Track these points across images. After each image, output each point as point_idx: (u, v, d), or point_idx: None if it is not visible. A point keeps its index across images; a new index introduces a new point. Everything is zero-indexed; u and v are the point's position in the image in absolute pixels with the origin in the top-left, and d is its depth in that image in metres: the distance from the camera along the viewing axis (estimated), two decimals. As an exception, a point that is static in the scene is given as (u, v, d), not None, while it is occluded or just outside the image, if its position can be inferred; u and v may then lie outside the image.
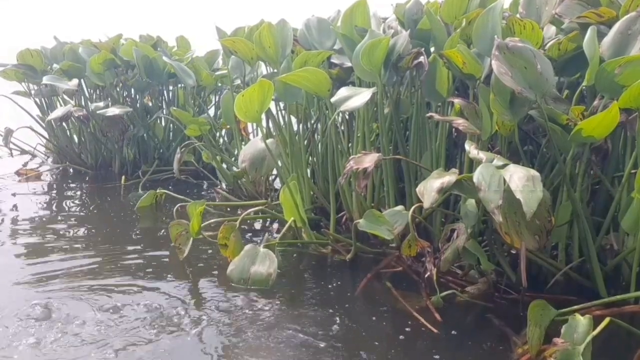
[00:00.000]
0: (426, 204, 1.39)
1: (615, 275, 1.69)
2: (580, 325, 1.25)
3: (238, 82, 2.74)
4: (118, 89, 3.45)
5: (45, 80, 3.14)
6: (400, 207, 1.71)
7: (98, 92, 3.57)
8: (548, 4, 1.78)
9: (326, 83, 1.90)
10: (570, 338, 1.23)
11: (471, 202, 1.53)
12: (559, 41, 1.71)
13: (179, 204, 2.47)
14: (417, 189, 1.43)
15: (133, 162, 3.50)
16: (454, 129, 2.07)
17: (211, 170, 3.34)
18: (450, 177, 1.40)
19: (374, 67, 1.79)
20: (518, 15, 1.76)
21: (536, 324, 1.33)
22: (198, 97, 3.49)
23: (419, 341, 1.49)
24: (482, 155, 1.40)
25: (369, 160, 1.63)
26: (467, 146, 1.45)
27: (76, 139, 3.73)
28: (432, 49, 1.95)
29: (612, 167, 1.75)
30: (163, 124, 3.57)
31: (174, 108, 3.20)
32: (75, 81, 3.26)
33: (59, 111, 3.22)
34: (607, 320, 1.29)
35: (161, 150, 3.56)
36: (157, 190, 2.76)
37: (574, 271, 1.67)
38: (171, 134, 3.60)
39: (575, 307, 1.45)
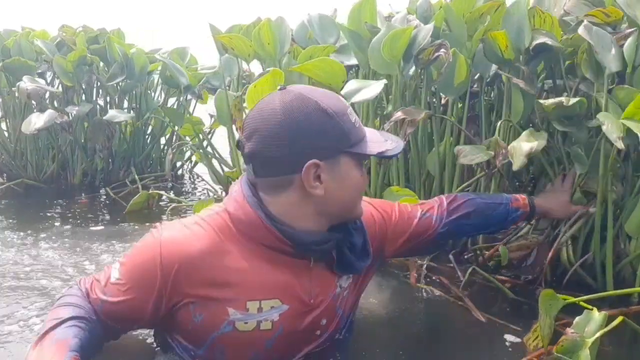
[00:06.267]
0: (515, 166, 1.45)
1: (617, 276, 1.68)
2: (594, 320, 1.23)
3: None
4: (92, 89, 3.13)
5: (25, 81, 2.72)
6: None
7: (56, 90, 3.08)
8: (557, 5, 1.84)
9: (341, 74, 1.88)
10: (581, 330, 1.21)
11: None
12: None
13: (173, 205, 2.35)
14: (509, 148, 1.49)
15: (102, 170, 3.15)
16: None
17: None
18: (540, 142, 1.46)
19: (394, 58, 1.79)
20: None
21: (546, 313, 1.31)
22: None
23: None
24: None
25: (417, 113, 1.70)
26: None
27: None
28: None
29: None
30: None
31: (165, 107, 3.11)
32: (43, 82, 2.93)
33: (40, 119, 2.68)
34: (620, 319, 1.28)
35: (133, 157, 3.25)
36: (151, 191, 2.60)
37: (583, 269, 1.68)
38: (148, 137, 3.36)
39: (583, 297, 1.38)
